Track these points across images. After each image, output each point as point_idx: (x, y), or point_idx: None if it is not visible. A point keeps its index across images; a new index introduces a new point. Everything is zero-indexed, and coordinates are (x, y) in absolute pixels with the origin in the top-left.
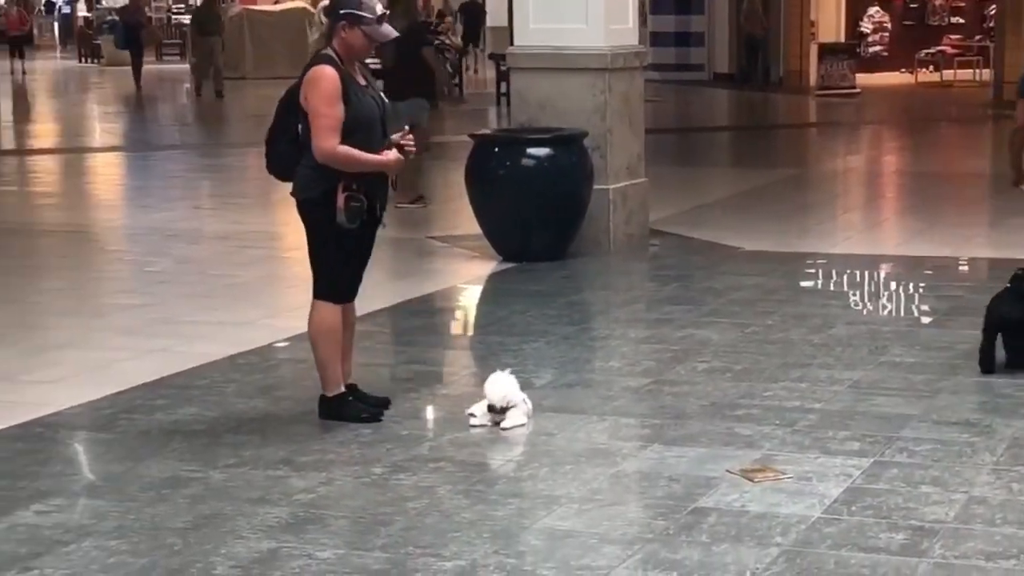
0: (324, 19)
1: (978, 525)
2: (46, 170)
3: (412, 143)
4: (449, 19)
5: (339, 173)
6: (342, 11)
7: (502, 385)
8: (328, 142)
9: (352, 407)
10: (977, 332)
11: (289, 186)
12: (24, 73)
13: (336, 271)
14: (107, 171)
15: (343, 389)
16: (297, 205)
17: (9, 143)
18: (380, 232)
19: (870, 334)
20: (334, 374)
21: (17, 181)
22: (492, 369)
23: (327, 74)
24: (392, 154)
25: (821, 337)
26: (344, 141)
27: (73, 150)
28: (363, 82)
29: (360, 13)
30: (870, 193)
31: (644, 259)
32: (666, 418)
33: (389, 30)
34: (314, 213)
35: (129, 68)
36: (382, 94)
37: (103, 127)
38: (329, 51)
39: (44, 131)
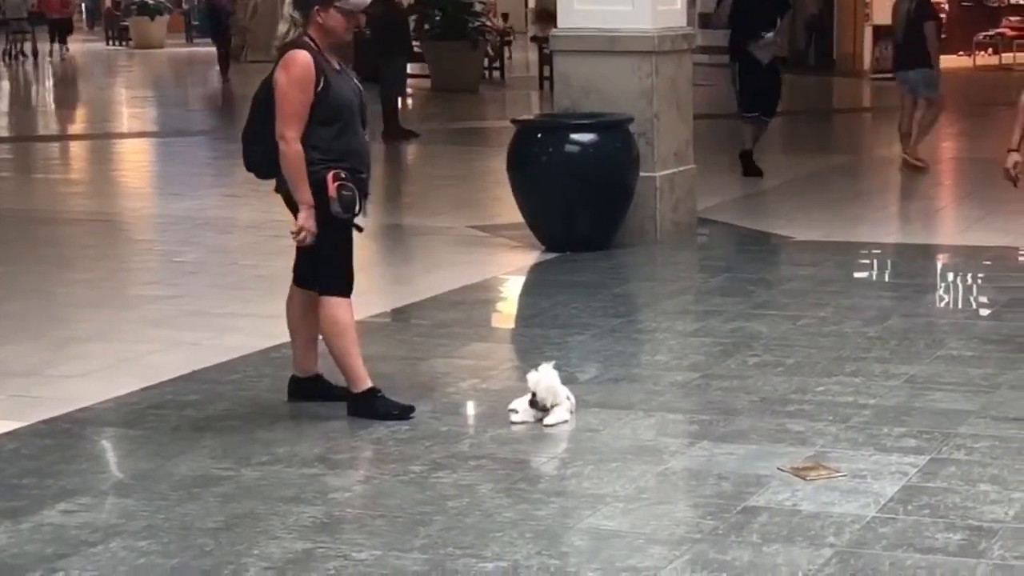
0: (293, 12)
1: None
2: (74, 156)
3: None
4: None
5: (326, 162)
6: None
7: (546, 380)
8: (288, 130)
9: (382, 403)
10: None
11: None
12: (63, 58)
13: (340, 263)
14: (135, 157)
15: (371, 384)
16: (286, 201)
17: (44, 128)
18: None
19: (927, 327)
20: (358, 369)
21: (50, 168)
22: (535, 363)
23: (300, 58)
24: (309, 221)
25: (876, 330)
26: (322, 129)
27: (102, 136)
28: (338, 68)
29: None
30: (926, 180)
31: (692, 249)
32: (715, 414)
33: None
34: None
35: (157, 50)
36: (357, 82)
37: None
38: (305, 38)
39: (86, 116)
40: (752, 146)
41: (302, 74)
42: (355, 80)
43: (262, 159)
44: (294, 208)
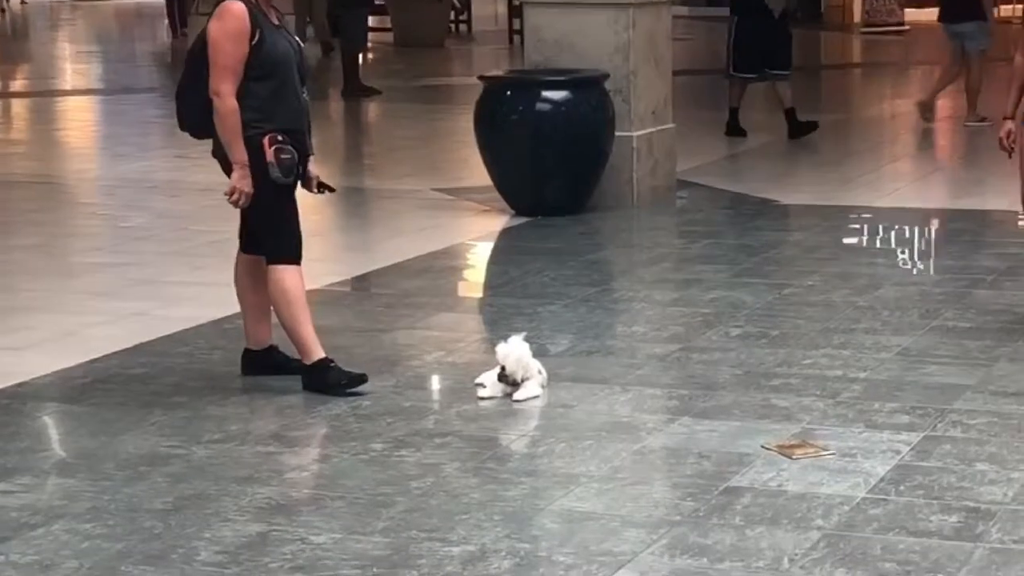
0: None
1: None
2: (14, 115)
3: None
4: None
5: (261, 126)
6: None
7: (516, 352)
8: (222, 85)
9: (334, 374)
10: None
11: None
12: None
13: (286, 228)
14: (79, 116)
15: (323, 354)
16: (223, 166)
17: None
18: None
19: (921, 296)
20: (309, 340)
21: None
22: (503, 335)
23: (234, 9)
24: (243, 181)
25: (867, 299)
26: (257, 86)
27: (45, 93)
28: (276, 22)
29: None
30: (920, 141)
31: (671, 213)
32: (695, 389)
33: None
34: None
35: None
36: (297, 38)
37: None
38: None
39: (26, 72)
40: (738, 104)
41: (236, 26)
42: (294, 37)
43: (197, 117)
44: (231, 172)
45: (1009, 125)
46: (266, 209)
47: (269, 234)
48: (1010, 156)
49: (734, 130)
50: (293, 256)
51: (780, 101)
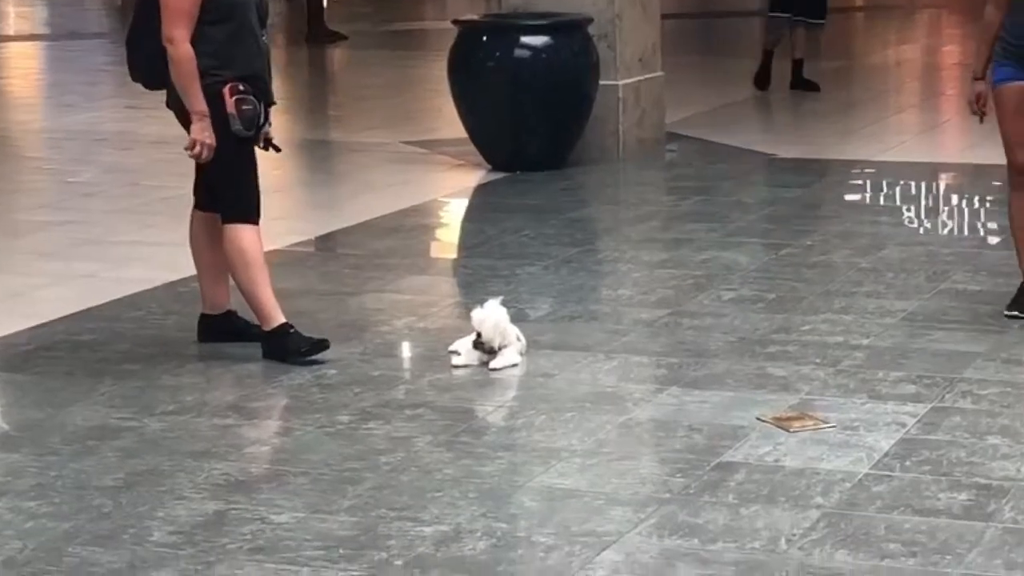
0: None
1: None
2: None
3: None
4: None
5: (220, 74)
6: None
7: (493, 318)
8: (176, 30)
9: (294, 340)
10: None
11: None
12: None
13: (243, 185)
14: (23, 63)
15: (283, 320)
16: (179, 116)
17: None
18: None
19: (927, 257)
20: (268, 304)
21: None
22: (479, 299)
23: None
24: (204, 133)
25: (870, 260)
26: (213, 30)
27: None
28: None
29: None
30: (927, 90)
31: (659, 168)
32: (686, 357)
33: None
34: None
35: None
36: None
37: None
38: None
39: None
40: (773, 48)
41: None
42: None
43: (148, 65)
44: (189, 124)
45: (980, 87)
46: (225, 164)
47: (227, 190)
48: (981, 120)
49: (802, 83)
50: (251, 215)
51: (793, 48)
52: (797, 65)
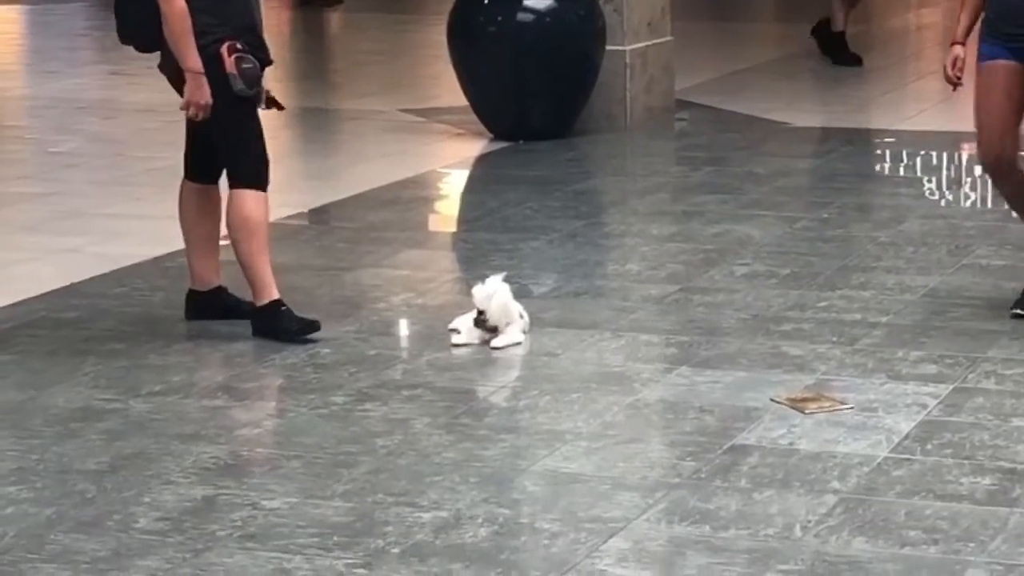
0: None
1: None
2: None
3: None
4: None
5: (216, 32)
6: None
7: (497, 295)
8: None
9: (284, 318)
10: None
11: None
12: None
13: (250, 149)
14: (1, 28)
15: (277, 296)
16: (173, 81)
17: None
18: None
19: (949, 230)
20: (264, 278)
21: None
22: (481, 274)
23: None
24: (199, 91)
25: (889, 234)
26: None
27: None
28: None
29: None
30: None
31: (669, 137)
32: (696, 335)
33: None
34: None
35: None
36: None
37: None
38: None
39: None
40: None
41: None
42: None
43: (138, 25)
44: (183, 87)
45: (957, 51)
46: (229, 127)
47: (232, 155)
48: (954, 89)
49: (846, 57)
50: (258, 181)
51: (833, 18)
52: (840, 37)
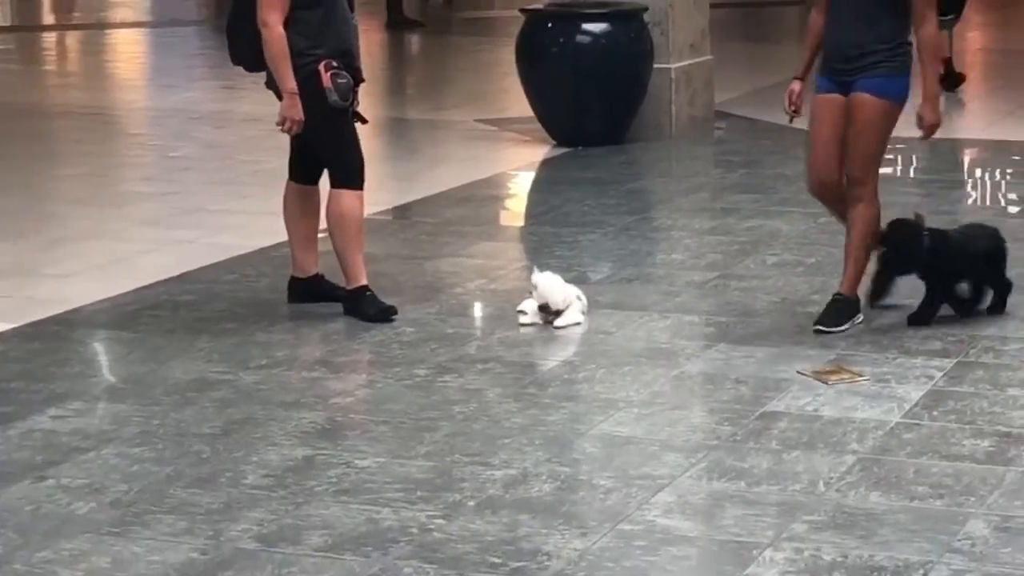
0: None
1: None
2: (67, 48)
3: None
4: None
5: (314, 53)
6: None
7: (552, 288)
8: (270, 14)
9: (368, 302)
10: None
11: None
12: None
13: (346, 154)
14: (128, 48)
15: (364, 282)
16: (277, 95)
17: (34, 19)
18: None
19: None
20: (356, 265)
21: (40, 59)
22: (543, 264)
23: None
24: (293, 109)
25: None
26: (306, 14)
27: (91, 26)
28: None
29: None
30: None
31: (709, 143)
32: (733, 315)
33: None
34: (304, 100)
35: None
36: None
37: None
38: None
39: (76, 5)
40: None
41: None
42: None
43: (248, 50)
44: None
45: (794, 86)
46: (326, 135)
47: (331, 159)
48: (791, 120)
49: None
50: (354, 181)
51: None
52: (946, 64)
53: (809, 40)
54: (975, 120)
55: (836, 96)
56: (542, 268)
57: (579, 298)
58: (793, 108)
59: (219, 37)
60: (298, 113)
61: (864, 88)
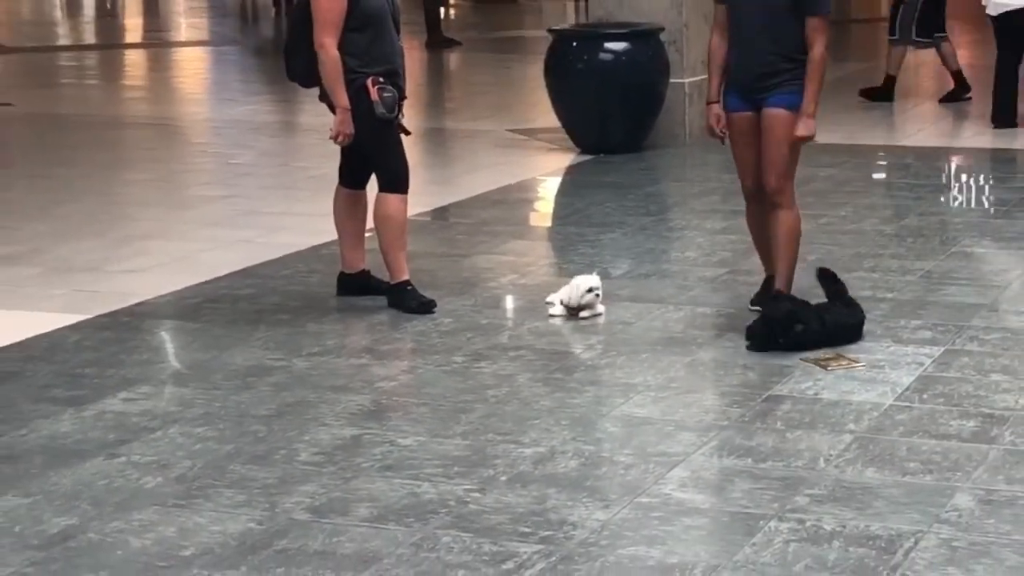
0: None
1: None
2: (136, 64)
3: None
4: None
5: (363, 72)
6: None
7: (573, 282)
8: (325, 37)
9: (409, 296)
10: None
11: None
12: None
13: (392, 161)
14: (192, 65)
15: (407, 277)
16: (331, 109)
17: (107, 38)
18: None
19: (941, 225)
20: (399, 261)
21: (112, 75)
22: (571, 259)
23: None
24: (345, 124)
25: (893, 228)
26: (357, 36)
27: (162, 44)
28: None
29: None
30: (941, 88)
31: (719, 151)
32: (741, 308)
33: None
34: (354, 111)
35: None
36: None
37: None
38: None
39: (146, 25)
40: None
41: None
42: None
43: (303, 69)
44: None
45: (715, 109)
46: (374, 144)
47: (378, 166)
48: (723, 142)
49: (886, 95)
50: (399, 186)
51: (946, 62)
52: (959, 77)
53: (714, 65)
54: (963, 130)
55: (748, 114)
56: (589, 270)
57: (591, 290)
58: (722, 130)
59: (275, 56)
60: (349, 127)
61: (777, 104)
